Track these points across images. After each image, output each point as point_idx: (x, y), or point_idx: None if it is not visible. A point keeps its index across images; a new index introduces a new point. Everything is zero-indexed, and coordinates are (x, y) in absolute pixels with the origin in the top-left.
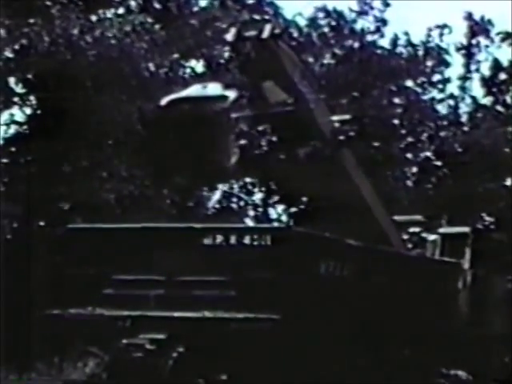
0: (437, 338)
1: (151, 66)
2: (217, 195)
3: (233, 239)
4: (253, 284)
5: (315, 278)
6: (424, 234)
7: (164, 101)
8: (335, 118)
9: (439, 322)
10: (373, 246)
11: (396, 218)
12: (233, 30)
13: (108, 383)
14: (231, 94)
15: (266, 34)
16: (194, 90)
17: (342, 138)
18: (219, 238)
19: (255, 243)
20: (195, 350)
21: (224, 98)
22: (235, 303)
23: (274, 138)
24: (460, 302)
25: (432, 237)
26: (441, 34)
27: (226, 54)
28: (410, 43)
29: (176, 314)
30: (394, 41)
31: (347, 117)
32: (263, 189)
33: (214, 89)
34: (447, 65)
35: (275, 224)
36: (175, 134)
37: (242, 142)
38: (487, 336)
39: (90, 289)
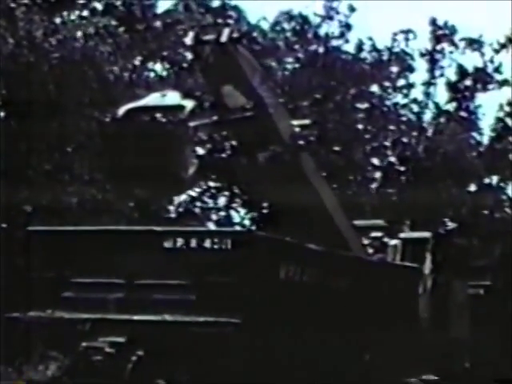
0: (397, 342)
1: (115, 69)
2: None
3: (193, 243)
4: (213, 288)
5: (275, 283)
6: (386, 239)
7: (122, 110)
8: (295, 122)
9: (399, 327)
10: (333, 251)
11: (357, 222)
12: (191, 34)
13: (72, 381)
14: (189, 104)
15: (224, 37)
16: (153, 99)
17: (301, 142)
18: (180, 242)
19: (216, 247)
20: (155, 353)
21: (181, 107)
22: (195, 307)
23: (235, 143)
24: (420, 307)
25: (393, 242)
26: (406, 39)
27: (189, 58)
28: (374, 48)
29: (136, 318)
30: (359, 46)
31: (307, 121)
32: (226, 193)
33: (172, 98)
34: (411, 70)
35: (237, 228)
36: (132, 144)
37: (205, 146)
38: (447, 341)
39: (49, 292)
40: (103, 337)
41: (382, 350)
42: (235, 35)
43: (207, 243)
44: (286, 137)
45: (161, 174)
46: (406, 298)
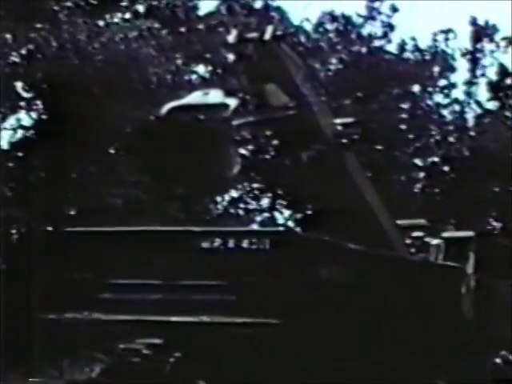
0: (440, 343)
1: (158, 71)
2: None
3: (231, 243)
4: (251, 288)
5: (315, 283)
6: (428, 239)
7: (165, 108)
8: (338, 120)
9: (442, 328)
10: (374, 251)
11: (399, 222)
12: (234, 32)
13: (110, 383)
14: (232, 102)
15: (267, 35)
16: (195, 98)
17: (344, 141)
18: (217, 242)
19: (254, 247)
20: (193, 355)
21: (225, 106)
22: (233, 307)
23: (278, 142)
24: (463, 308)
25: (435, 241)
26: (446, 39)
27: (231, 58)
28: (417, 48)
29: (173, 319)
30: (402, 46)
31: (350, 120)
32: (269, 194)
33: (215, 96)
34: (453, 70)
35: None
36: (176, 142)
37: (248, 147)
38: (490, 341)
39: (87, 293)
40: (141, 338)
41: (423, 351)
42: (278, 33)
43: (245, 243)
44: (330, 135)
45: (204, 173)
46: (448, 299)
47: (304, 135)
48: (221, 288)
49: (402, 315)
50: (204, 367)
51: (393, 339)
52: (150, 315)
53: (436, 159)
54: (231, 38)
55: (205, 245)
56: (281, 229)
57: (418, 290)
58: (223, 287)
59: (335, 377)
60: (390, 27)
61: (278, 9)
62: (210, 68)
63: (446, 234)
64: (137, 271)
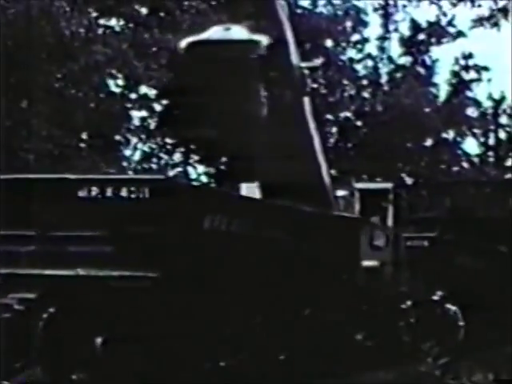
0: (354, 298)
1: (71, 25)
2: None
3: (109, 191)
4: (129, 239)
5: (198, 233)
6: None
7: (184, 43)
8: (304, 64)
9: (356, 281)
10: (265, 200)
11: None
12: None
13: None
14: (263, 39)
15: None
16: (216, 33)
17: (312, 85)
18: (94, 191)
19: (132, 195)
20: (67, 310)
21: (254, 42)
22: (111, 260)
23: None
24: (383, 260)
25: (341, 193)
26: None
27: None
28: (329, 3)
29: (47, 272)
30: (314, 0)
31: (317, 63)
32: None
33: (238, 32)
34: (365, 25)
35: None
36: (198, 79)
37: None
38: (408, 296)
39: None
40: (13, 293)
41: (332, 305)
42: None
43: (123, 192)
44: (297, 77)
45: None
46: (346, 250)
47: (273, 77)
48: (98, 239)
49: (292, 267)
50: (79, 323)
51: (281, 290)
52: (24, 268)
53: (349, 114)
54: None
55: (81, 193)
56: (161, 176)
57: (310, 240)
58: (100, 238)
59: (218, 333)
60: None
61: None
62: (122, 22)
63: (361, 185)
64: (10, 221)
